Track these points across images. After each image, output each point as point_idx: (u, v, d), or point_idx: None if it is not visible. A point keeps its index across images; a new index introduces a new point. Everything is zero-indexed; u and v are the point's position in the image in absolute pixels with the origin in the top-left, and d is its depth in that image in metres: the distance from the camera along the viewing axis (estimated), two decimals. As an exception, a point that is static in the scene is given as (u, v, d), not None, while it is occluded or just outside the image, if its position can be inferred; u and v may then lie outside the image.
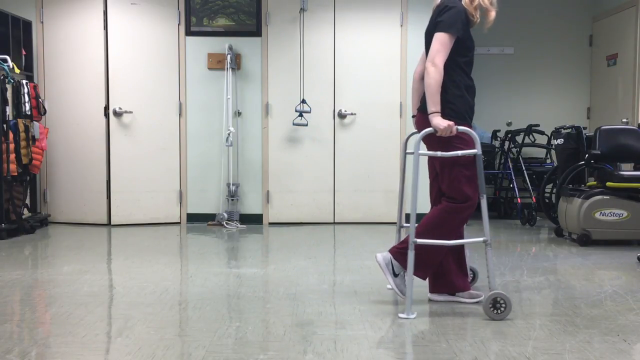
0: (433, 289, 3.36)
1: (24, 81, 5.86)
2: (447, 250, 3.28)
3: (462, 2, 3.19)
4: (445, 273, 3.33)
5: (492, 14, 3.24)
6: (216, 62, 6.43)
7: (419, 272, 3.25)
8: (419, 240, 3.09)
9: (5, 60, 5.59)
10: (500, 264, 4.41)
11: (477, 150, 3.10)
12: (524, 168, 6.71)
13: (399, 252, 3.24)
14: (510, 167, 6.81)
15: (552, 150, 7.06)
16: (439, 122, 3.06)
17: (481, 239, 3.10)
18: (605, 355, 2.53)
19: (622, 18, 6.97)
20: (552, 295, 3.50)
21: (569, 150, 5.70)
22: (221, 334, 2.79)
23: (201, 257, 4.68)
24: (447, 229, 3.19)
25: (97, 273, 4.08)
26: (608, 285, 3.77)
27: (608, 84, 7.26)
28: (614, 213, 5.08)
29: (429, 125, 3.20)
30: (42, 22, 6.39)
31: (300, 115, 6.37)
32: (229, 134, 6.27)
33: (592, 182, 5.42)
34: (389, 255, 3.26)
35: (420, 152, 3.09)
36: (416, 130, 3.36)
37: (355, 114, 6.49)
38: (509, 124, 7.56)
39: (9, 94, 5.60)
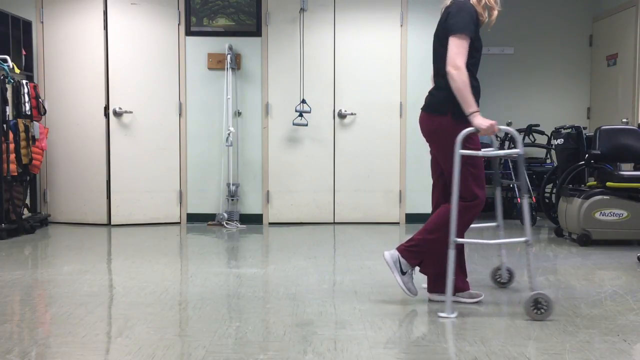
0: (433, 289, 3.36)
1: (24, 81, 5.86)
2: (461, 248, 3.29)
3: (471, 2, 3.18)
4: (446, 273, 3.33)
5: (495, 13, 3.24)
6: (216, 62, 6.43)
7: (429, 268, 3.25)
8: (459, 240, 3.08)
9: (5, 60, 5.59)
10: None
11: (519, 150, 3.10)
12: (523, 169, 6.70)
13: (406, 250, 3.24)
14: (510, 167, 6.81)
15: (552, 150, 7.06)
16: (481, 121, 3.05)
17: (523, 239, 3.09)
18: (605, 355, 2.53)
19: (622, 18, 6.97)
20: (552, 295, 3.50)
21: (569, 150, 5.70)
22: (221, 334, 2.79)
23: (201, 257, 4.68)
24: (457, 227, 3.19)
25: (97, 273, 4.08)
26: (608, 285, 3.77)
27: (608, 84, 7.26)
28: (614, 213, 5.08)
29: (432, 124, 3.19)
30: (42, 22, 6.39)
31: (300, 115, 6.37)
32: (229, 134, 6.27)
33: (592, 182, 5.42)
34: (397, 253, 3.25)
35: (461, 151, 3.08)
36: (420, 128, 3.34)
37: (355, 114, 6.49)
38: (509, 124, 7.55)
39: (9, 94, 5.60)
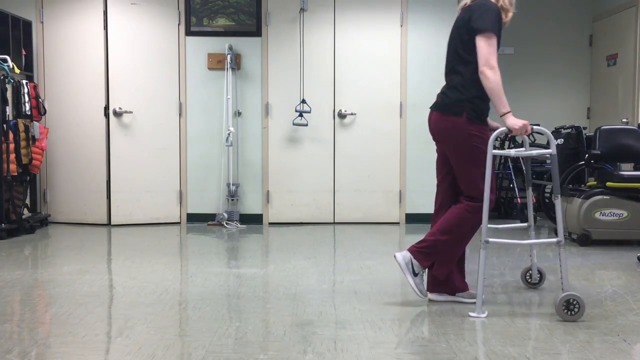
0: (433, 289, 3.35)
1: (24, 81, 5.86)
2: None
3: (494, 2, 3.17)
4: (454, 275, 3.32)
5: (510, 15, 3.24)
6: (216, 62, 6.43)
7: (441, 270, 3.24)
8: (491, 240, 3.07)
9: (5, 60, 5.59)
10: (500, 264, 4.41)
11: (552, 150, 3.09)
12: (524, 168, 6.71)
13: (418, 251, 3.23)
14: (510, 167, 6.81)
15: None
16: (514, 122, 3.05)
17: (554, 239, 3.08)
18: (605, 355, 2.53)
19: (622, 18, 6.97)
20: (552, 295, 3.50)
21: (569, 150, 5.70)
22: (221, 334, 2.79)
23: (201, 257, 4.68)
24: (468, 228, 3.18)
25: (97, 273, 4.08)
26: (608, 285, 3.77)
27: (608, 84, 7.26)
28: (614, 213, 5.08)
29: (445, 125, 3.19)
30: (42, 22, 6.39)
31: (300, 115, 6.37)
32: (229, 134, 6.27)
33: (592, 182, 5.42)
34: (409, 255, 3.24)
35: (494, 151, 3.07)
36: (429, 128, 3.33)
37: (355, 114, 6.49)
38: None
39: (9, 94, 5.60)
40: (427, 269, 3.31)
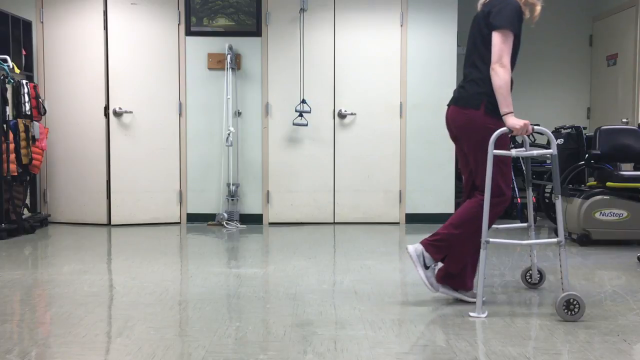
0: (443, 281, 3.31)
1: (24, 81, 5.86)
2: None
3: None
4: (467, 269, 3.31)
5: (538, 8, 3.22)
6: (216, 62, 6.43)
7: (454, 264, 3.24)
8: (491, 240, 3.07)
9: (5, 60, 5.59)
10: (500, 263, 4.41)
11: (553, 151, 3.09)
12: (523, 168, 6.71)
13: (430, 244, 3.22)
14: (511, 167, 6.80)
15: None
16: (515, 122, 3.04)
17: (554, 239, 3.08)
18: (605, 355, 2.53)
19: (622, 18, 6.97)
20: (552, 295, 3.50)
21: (569, 150, 5.70)
22: (221, 334, 2.79)
23: (201, 257, 4.68)
24: (481, 222, 3.18)
25: (97, 273, 4.08)
26: (608, 285, 3.77)
27: (608, 84, 7.26)
28: (614, 213, 5.08)
29: (463, 118, 3.17)
30: (42, 22, 6.39)
31: (300, 115, 6.37)
32: (229, 134, 6.27)
33: (592, 182, 5.42)
34: (421, 247, 3.23)
35: (495, 151, 3.07)
36: (447, 123, 3.32)
37: (355, 114, 6.49)
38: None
39: (9, 94, 5.60)
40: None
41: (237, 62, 6.44)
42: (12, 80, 5.59)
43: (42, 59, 6.39)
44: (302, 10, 6.39)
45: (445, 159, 6.48)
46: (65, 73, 6.34)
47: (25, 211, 6.08)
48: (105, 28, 6.26)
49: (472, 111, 3.17)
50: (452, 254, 3.22)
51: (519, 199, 6.68)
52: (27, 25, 6.25)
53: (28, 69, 6.26)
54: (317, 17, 6.45)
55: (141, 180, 6.37)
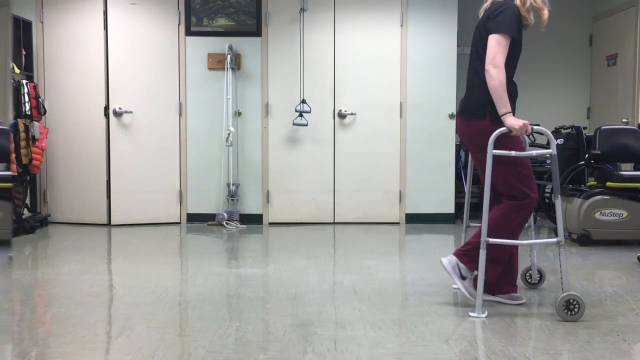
0: (492, 291, 3.29)
1: (24, 81, 5.86)
2: (514, 250, 3.26)
3: (514, 3, 3.15)
4: (503, 275, 3.30)
5: (546, 13, 3.21)
6: (216, 62, 6.43)
7: (490, 270, 3.20)
8: (491, 240, 3.06)
9: (5, 60, 5.59)
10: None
11: (552, 151, 3.09)
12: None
13: (464, 254, 3.21)
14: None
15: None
16: (514, 122, 3.03)
17: (554, 239, 3.08)
18: (605, 355, 2.53)
19: (622, 18, 6.97)
20: (552, 295, 3.50)
21: (569, 150, 5.70)
22: (221, 334, 2.79)
23: (201, 257, 4.68)
24: (512, 227, 3.16)
25: (97, 273, 4.08)
26: (608, 285, 3.77)
27: (608, 84, 7.26)
28: (614, 213, 5.08)
29: (471, 130, 3.17)
30: (42, 22, 6.38)
31: (300, 115, 6.36)
32: (229, 134, 6.27)
33: (592, 182, 5.42)
34: (455, 259, 3.22)
35: (495, 151, 3.07)
36: (458, 135, 3.32)
37: (355, 114, 6.49)
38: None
39: (9, 94, 5.61)
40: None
41: (237, 62, 6.44)
42: (12, 80, 5.58)
43: (42, 59, 6.39)
44: (302, 10, 6.39)
45: (445, 159, 6.47)
46: (65, 73, 6.34)
47: (25, 211, 6.08)
48: (105, 28, 6.25)
49: (478, 122, 3.18)
50: (488, 260, 3.20)
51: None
52: (27, 25, 6.25)
53: (28, 69, 6.26)
54: (317, 17, 6.45)
55: (141, 180, 6.37)
